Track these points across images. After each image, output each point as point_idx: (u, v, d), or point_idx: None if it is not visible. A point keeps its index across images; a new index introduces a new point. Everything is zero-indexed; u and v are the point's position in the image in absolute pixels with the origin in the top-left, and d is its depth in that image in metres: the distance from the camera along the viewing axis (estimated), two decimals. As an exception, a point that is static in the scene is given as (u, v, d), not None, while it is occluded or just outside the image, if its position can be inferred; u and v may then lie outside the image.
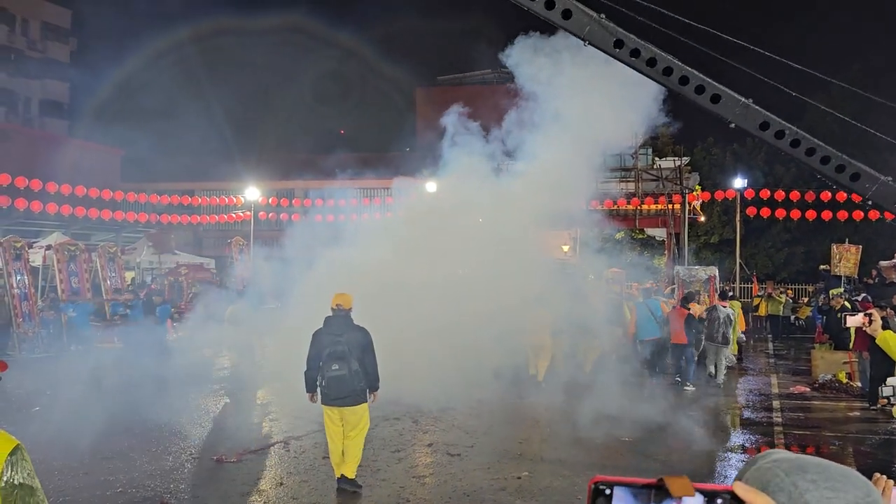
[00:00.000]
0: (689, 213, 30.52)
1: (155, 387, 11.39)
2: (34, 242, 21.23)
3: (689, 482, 0.85)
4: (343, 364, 6.72)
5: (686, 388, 12.83)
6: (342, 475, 6.93)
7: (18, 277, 17.65)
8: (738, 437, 10.00)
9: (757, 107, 6.15)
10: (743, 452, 8.98)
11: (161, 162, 37.94)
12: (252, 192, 29.27)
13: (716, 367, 13.44)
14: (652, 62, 6.15)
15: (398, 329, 11.25)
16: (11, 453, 2.44)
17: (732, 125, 6.19)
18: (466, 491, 7.07)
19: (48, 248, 19.94)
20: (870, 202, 6.73)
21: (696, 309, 13.32)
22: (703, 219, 34.47)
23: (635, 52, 6.13)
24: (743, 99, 6.18)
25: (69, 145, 34.77)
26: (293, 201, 31.25)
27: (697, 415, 10.96)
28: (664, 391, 12.38)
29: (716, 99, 6.15)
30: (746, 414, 11.45)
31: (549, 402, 11.08)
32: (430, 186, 19.43)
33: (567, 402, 10.68)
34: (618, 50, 6.16)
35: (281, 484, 7.36)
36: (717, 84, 6.17)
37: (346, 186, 23.69)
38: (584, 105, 12.86)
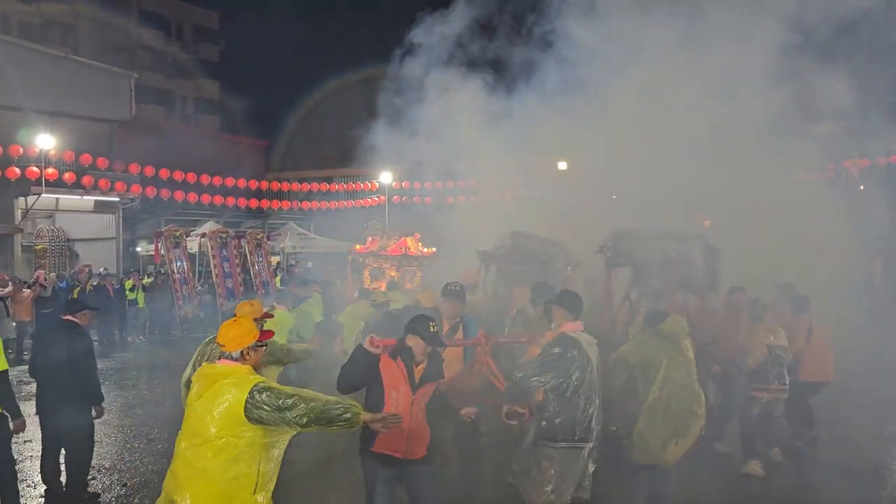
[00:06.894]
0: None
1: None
2: (191, 231, 22.98)
3: None
4: None
5: None
6: None
7: (178, 263, 19.25)
8: None
9: None
10: None
11: (302, 151, 39.85)
12: (385, 177, 30.11)
13: None
14: None
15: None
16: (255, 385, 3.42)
17: None
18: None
19: (203, 235, 21.49)
20: None
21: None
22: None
23: None
24: None
25: (220, 139, 37.28)
26: (425, 184, 31.77)
27: None
28: None
29: None
30: None
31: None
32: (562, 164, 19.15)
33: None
34: None
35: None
36: None
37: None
38: None
